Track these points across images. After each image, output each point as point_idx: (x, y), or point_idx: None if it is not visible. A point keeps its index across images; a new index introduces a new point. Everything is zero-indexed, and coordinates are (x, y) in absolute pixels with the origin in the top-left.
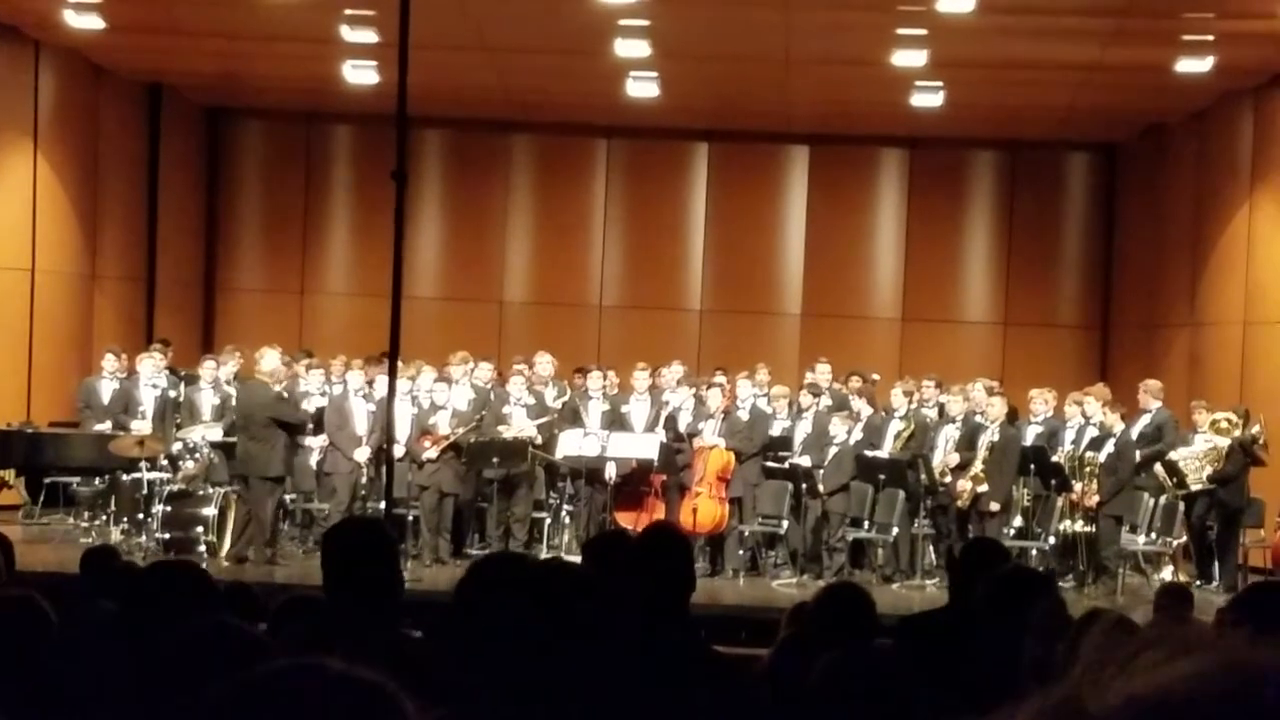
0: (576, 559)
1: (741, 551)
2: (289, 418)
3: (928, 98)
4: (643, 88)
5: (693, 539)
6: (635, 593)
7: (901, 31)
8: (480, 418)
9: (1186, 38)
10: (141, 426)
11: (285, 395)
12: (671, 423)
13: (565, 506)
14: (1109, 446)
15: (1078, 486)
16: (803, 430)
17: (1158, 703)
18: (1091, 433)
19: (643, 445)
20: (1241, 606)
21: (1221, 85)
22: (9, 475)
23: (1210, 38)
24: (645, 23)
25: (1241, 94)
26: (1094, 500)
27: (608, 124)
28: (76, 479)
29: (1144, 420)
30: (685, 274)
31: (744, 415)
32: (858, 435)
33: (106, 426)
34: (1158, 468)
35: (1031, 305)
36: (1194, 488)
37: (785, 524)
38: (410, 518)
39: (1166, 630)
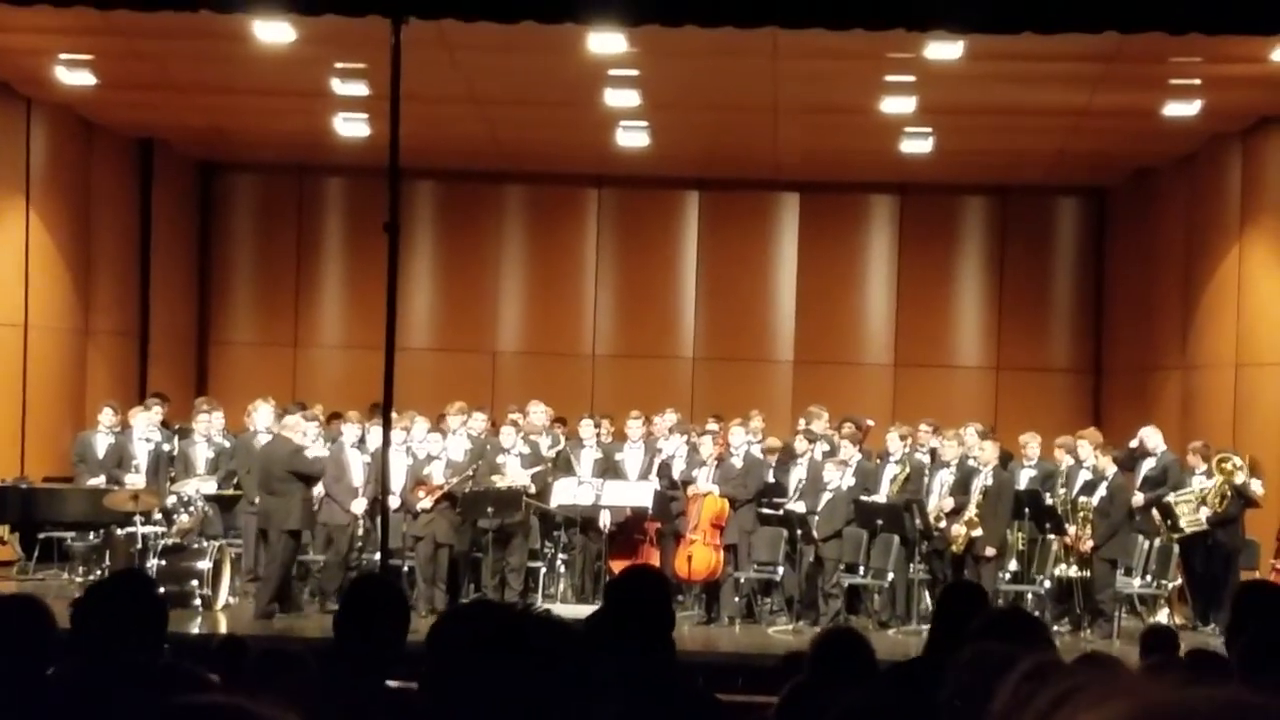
0: (572, 608)
1: (737, 598)
2: (308, 470)
3: (917, 144)
4: (633, 137)
5: (688, 586)
6: (617, 635)
7: (890, 79)
8: (475, 468)
9: (1174, 82)
10: (136, 480)
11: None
12: (665, 470)
13: (560, 555)
14: (1102, 490)
15: (1071, 530)
16: (797, 476)
17: None
18: (1085, 476)
19: (637, 493)
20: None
21: (1209, 128)
22: (3, 531)
23: (1198, 82)
24: (634, 73)
25: (1229, 137)
26: (1088, 544)
27: (598, 173)
28: (71, 534)
29: (1148, 463)
30: (677, 322)
31: (738, 462)
32: (850, 481)
33: (101, 481)
34: (1153, 510)
35: (1023, 349)
36: (1187, 530)
37: (780, 570)
38: (405, 568)
39: (1088, 676)
